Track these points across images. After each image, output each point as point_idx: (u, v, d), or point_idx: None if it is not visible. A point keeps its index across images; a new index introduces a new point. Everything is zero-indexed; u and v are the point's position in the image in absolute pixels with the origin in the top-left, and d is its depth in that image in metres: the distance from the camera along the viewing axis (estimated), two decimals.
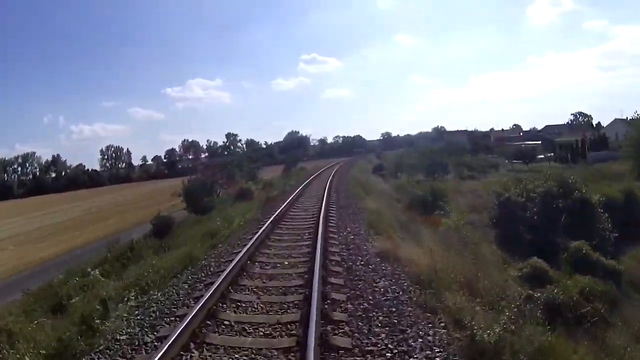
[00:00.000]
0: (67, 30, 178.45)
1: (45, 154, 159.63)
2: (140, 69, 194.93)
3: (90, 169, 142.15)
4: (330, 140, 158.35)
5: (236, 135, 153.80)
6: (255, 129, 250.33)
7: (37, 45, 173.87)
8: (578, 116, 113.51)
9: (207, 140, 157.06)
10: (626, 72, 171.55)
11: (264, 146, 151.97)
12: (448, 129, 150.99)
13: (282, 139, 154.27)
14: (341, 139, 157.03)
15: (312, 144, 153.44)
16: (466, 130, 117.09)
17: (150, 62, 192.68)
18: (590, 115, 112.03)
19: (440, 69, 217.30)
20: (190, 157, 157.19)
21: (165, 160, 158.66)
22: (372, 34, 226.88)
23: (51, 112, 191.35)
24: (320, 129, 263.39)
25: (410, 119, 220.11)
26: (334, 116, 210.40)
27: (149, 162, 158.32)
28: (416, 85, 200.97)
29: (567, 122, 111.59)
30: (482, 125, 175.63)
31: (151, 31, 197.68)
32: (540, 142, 71.39)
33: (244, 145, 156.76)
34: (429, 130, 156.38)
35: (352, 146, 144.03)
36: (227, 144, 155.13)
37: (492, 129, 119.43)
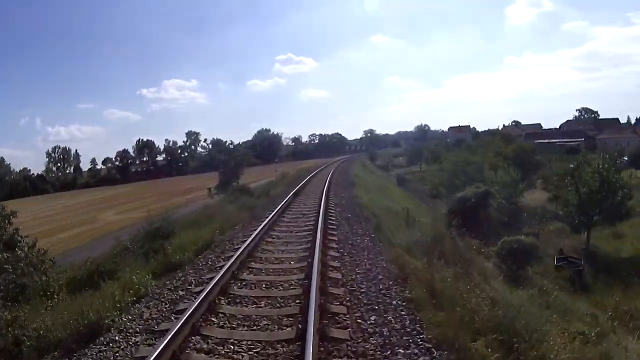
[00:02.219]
0: (42, 31, 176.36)
1: (23, 157, 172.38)
2: (115, 69, 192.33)
3: (35, 174, 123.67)
4: (305, 139, 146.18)
5: (198, 133, 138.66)
6: (231, 131, 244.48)
7: (13, 47, 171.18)
8: (583, 112, 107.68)
9: (166, 140, 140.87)
10: (604, 74, 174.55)
11: (232, 146, 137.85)
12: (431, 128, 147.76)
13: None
14: (317, 137, 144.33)
15: (285, 143, 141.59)
16: (468, 127, 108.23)
17: (126, 62, 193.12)
18: (596, 112, 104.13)
19: (418, 70, 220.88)
20: (145, 159, 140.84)
21: (117, 164, 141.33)
22: (349, 34, 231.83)
23: (28, 115, 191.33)
24: (297, 129, 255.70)
25: (387, 119, 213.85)
26: (311, 117, 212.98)
27: (99, 165, 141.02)
28: (394, 85, 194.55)
29: (574, 119, 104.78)
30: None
31: (127, 31, 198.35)
32: (582, 139, 63.28)
33: (209, 145, 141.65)
34: (412, 129, 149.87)
35: (330, 146, 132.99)
36: (188, 143, 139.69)
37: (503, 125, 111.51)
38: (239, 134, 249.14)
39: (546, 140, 70.13)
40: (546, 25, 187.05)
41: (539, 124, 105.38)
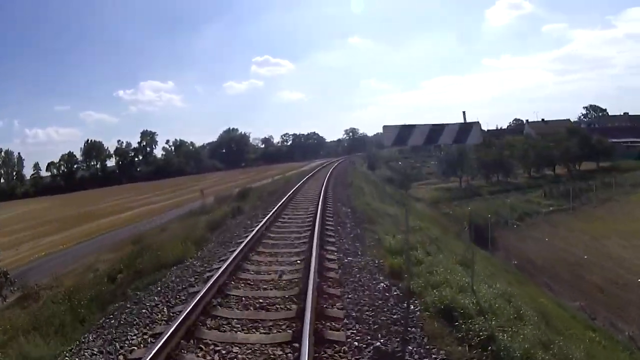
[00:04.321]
0: (17, 32, 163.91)
1: None
2: (92, 71, 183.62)
3: None
4: (277, 139, 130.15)
5: (154, 134, 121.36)
6: (207, 133, 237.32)
7: None
8: (591, 110, 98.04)
9: (118, 141, 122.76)
10: (581, 76, 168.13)
11: (192, 148, 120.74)
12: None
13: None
14: (291, 137, 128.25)
15: (254, 144, 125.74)
16: (477, 123, 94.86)
17: (102, 63, 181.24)
18: (605, 109, 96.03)
19: (395, 72, 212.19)
20: (94, 163, 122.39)
21: (63, 170, 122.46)
22: (326, 36, 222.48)
23: (6, 116, 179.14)
24: (275, 132, 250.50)
25: (365, 121, 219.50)
26: (288, 119, 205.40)
27: (43, 171, 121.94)
28: (370, 87, 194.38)
29: (581, 116, 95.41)
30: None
31: (102, 32, 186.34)
32: None
33: (172, 147, 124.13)
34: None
35: (306, 148, 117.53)
36: (143, 144, 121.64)
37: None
38: (214, 137, 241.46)
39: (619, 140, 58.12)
40: (525, 28, 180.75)
41: (568, 119, 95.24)
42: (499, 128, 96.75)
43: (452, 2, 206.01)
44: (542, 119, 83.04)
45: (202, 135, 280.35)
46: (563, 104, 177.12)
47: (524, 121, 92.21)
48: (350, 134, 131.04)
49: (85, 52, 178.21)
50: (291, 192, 18.37)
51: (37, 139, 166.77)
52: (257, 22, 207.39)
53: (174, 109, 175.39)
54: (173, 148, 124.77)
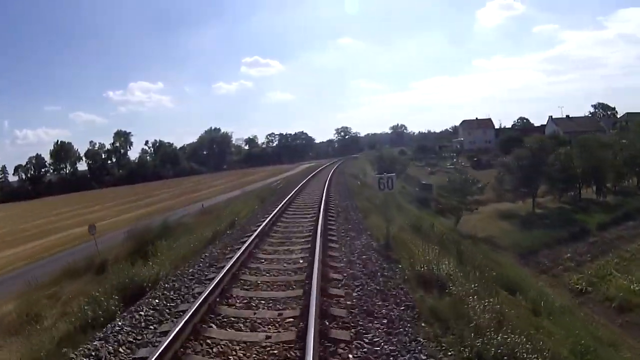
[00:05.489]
0: (6, 31, 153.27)
1: None
2: (82, 71, 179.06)
3: None
4: (261, 139, 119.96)
5: (128, 134, 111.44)
6: (197, 134, 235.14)
7: None
8: (600, 108, 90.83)
9: (90, 142, 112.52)
10: (570, 77, 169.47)
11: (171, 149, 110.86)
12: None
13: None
14: (277, 137, 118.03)
15: (237, 143, 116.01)
16: (490, 121, 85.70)
17: (92, 64, 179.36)
18: (614, 108, 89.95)
19: (386, 72, 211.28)
20: (63, 165, 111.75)
21: (31, 173, 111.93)
22: (315, 37, 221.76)
23: None
24: (265, 132, 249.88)
25: (356, 122, 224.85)
26: (278, 119, 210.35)
27: (10, 174, 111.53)
28: (361, 88, 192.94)
29: (588, 114, 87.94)
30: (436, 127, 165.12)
31: (92, 32, 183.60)
32: None
33: (151, 149, 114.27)
34: (387, 130, 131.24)
35: (294, 149, 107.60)
36: (118, 145, 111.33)
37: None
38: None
39: None
40: (517, 28, 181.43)
41: (591, 115, 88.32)
42: (501, 127, 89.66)
43: (443, 3, 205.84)
44: (567, 115, 76.17)
45: (192, 135, 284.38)
46: (553, 104, 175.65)
47: (528, 119, 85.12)
48: (342, 133, 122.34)
49: (75, 52, 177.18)
50: (267, 223, 10.17)
51: (27, 140, 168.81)
52: (246, 23, 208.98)
53: (164, 109, 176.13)
54: (152, 149, 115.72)
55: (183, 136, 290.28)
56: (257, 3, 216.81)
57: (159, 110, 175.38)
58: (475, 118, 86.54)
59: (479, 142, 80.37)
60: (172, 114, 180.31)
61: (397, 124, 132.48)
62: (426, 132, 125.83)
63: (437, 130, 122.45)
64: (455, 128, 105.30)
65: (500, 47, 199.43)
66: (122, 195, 54.34)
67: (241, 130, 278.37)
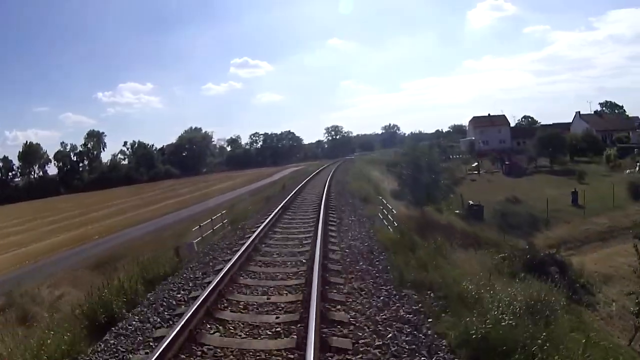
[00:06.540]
0: None
1: None
2: (70, 71, 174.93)
3: None
4: (245, 140, 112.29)
5: (101, 134, 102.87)
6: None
7: None
8: (607, 107, 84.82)
9: (61, 144, 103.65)
10: (561, 78, 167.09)
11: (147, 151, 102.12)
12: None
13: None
14: (261, 138, 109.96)
15: (219, 144, 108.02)
16: (504, 117, 76.58)
17: (81, 64, 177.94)
18: (622, 106, 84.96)
19: (376, 73, 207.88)
20: (30, 170, 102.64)
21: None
22: (304, 38, 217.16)
23: None
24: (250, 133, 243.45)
25: (347, 122, 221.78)
26: (268, 121, 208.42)
27: None
28: (350, 89, 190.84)
29: (596, 112, 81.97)
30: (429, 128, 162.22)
31: (81, 32, 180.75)
32: None
33: (130, 150, 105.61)
34: (378, 131, 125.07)
35: (279, 150, 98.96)
36: (90, 147, 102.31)
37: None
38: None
39: None
40: (507, 29, 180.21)
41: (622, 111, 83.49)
42: (518, 124, 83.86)
43: (434, 3, 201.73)
44: (595, 111, 70.88)
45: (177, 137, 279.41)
46: (542, 104, 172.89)
47: (533, 117, 79.05)
48: (332, 132, 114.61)
49: (64, 52, 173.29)
50: None
51: (17, 141, 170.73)
52: (235, 24, 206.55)
53: (153, 110, 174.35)
54: (131, 151, 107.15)
55: (170, 137, 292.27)
56: (245, 4, 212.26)
57: (148, 111, 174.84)
58: (487, 114, 76.46)
59: (492, 142, 70.85)
60: (161, 115, 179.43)
61: (390, 124, 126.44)
62: (417, 132, 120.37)
63: (428, 132, 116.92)
64: (454, 127, 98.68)
65: (491, 47, 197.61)
66: (66, 208, 46.21)
67: (231, 131, 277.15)
